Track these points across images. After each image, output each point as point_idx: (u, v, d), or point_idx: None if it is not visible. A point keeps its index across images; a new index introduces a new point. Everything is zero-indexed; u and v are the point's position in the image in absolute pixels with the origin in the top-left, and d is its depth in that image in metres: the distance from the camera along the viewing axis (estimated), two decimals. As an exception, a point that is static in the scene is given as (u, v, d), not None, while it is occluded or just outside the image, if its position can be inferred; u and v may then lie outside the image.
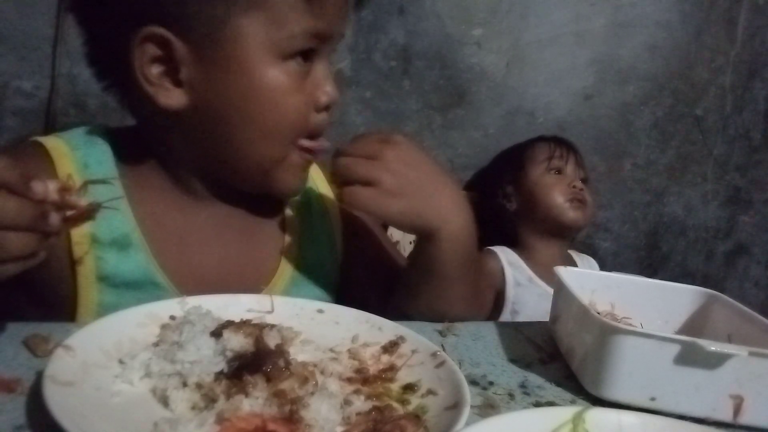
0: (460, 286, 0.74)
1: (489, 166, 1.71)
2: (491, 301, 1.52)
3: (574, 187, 1.57)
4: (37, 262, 0.52)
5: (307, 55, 0.67)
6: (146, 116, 0.71)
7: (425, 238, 0.71)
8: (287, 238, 0.78)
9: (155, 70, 0.64)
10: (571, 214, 1.56)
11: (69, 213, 0.53)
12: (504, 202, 1.63)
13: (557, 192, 1.56)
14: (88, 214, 0.55)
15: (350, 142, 0.70)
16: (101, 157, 0.70)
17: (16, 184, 0.48)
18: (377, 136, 0.70)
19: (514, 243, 1.61)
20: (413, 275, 0.75)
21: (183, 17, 0.63)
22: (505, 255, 1.57)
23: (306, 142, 0.70)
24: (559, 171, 1.59)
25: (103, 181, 0.64)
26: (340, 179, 0.69)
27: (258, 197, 0.76)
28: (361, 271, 0.84)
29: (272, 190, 0.73)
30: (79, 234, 0.65)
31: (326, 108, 0.70)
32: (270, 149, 0.69)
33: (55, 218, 0.51)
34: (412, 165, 0.69)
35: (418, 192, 0.68)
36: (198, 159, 0.71)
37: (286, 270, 0.76)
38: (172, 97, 0.65)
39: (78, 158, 0.68)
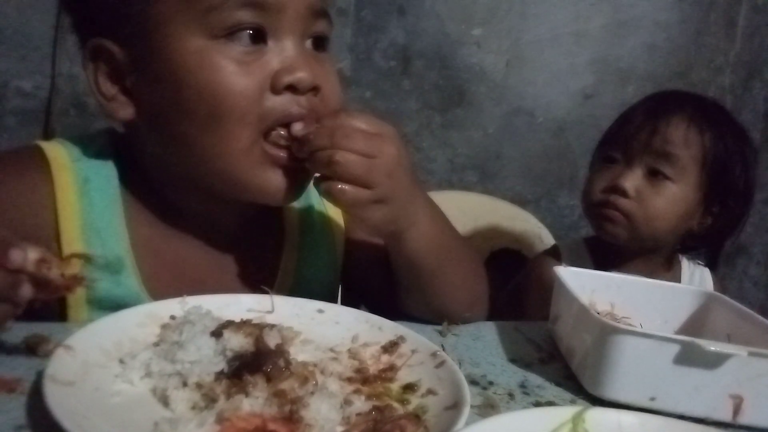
0: (447, 275, 0.72)
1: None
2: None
3: (612, 190, 1.07)
4: (2, 332, 0.49)
5: (257, 35, 0.59)
6: (126, 132, 0.68)
7: (392, 240, 0.69)
8: (284, 264, 0.74)
9: (111, 84, 0.62)
10: (602, 228, 1.09)
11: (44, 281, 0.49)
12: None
13: (594, 191, 1.10)
14: (67, 289, 0.51)
15: (337, 122, 0.60)
16: (103, 171, 0.67)
17: None
18: (369, 126, 0.61)
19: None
20: (397, 273, 0.73)
21: (113, 21, 0.60)
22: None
23: (277, 132, 0.61)
24: (611, 160, 1.11)
25: (87, 257, 0.55)
26: (325, 171, 0.60)
27: (257, 220, 0.72)
28: (363, 277, 0.81)
29: (255, 194, 0.64)
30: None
31: (291, 89, 0.60)
32: (223, 143, 0.60)
33: (26, 290, 0.47)
34: (405, 168, 0.63)
35: (400, 199, 0.64)
36: (171, 170, 0.66)
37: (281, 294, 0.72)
38: (123, 109, 0.63)
39: (78, 171, 0.65)
